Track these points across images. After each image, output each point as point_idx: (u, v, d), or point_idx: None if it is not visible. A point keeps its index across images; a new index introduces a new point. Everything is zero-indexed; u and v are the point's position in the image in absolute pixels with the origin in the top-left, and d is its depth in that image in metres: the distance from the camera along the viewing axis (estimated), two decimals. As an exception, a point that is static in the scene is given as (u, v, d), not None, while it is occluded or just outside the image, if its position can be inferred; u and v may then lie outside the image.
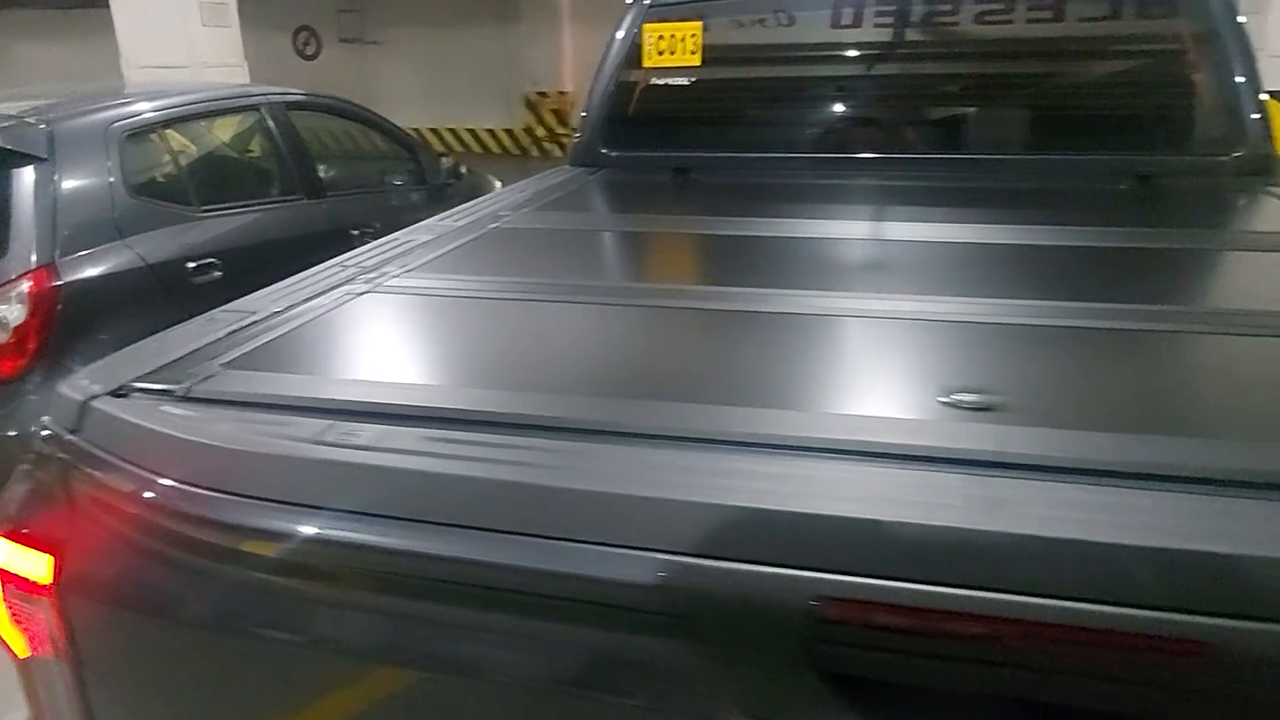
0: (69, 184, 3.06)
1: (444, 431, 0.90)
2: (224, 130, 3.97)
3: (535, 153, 12.88)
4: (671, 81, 2.55)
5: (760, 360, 1.15)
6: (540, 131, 12.89)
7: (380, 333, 1.27)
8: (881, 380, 1.07)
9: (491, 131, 13.51)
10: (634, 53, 2.56)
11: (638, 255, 1.78)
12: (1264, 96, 2.24)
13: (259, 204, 3.77)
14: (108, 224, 3.06)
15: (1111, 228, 1.73)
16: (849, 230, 1.80)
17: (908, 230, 1.79)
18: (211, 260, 3.28)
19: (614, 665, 0.83)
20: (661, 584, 0.77)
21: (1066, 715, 0.75)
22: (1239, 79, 2.16)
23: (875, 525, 0.75)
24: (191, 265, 3.21)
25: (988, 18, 2.34)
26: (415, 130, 13.51)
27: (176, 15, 6.48)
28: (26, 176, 3.01)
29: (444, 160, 5.14)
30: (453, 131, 13.76)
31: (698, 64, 2.51)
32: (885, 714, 0.78)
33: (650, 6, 2.56)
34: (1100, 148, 2.23)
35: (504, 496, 0.82)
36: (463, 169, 5.11)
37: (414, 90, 13.49)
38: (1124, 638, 0.70)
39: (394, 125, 4.90)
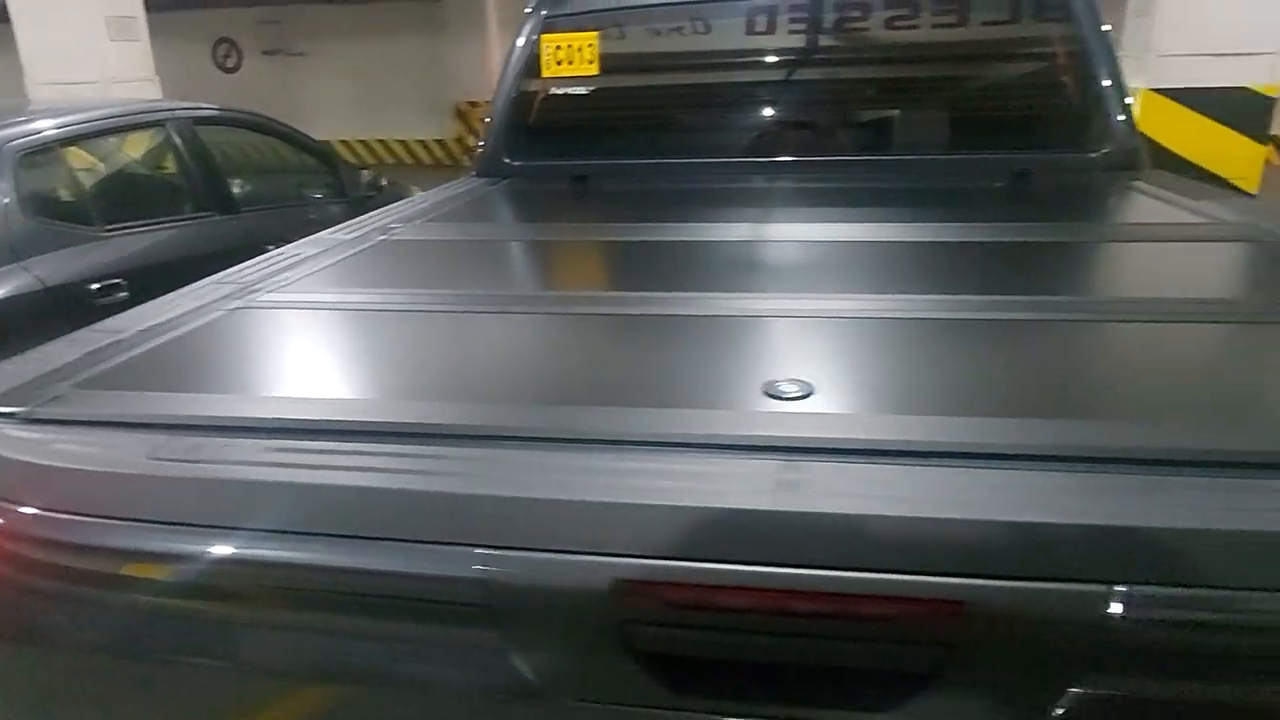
0: (-38, 206, 2.98)
1: (285, 441, 0.92)
2: (128, 147, 3.89)
3: (468, 163, 12.79)
4: (571, 90, 2.59)
5: (607, 360, 1.22)
6: (471, 141, 12.82)
7: (244, 348, 1.28)
8: (720, 375, 1.13)
9: (423, 142, 13.40)
10: (533, 63, 2.59)
11: (521, 264, 1.81)
12: (1130, 100, 2.37)
13: (168, 222, 3.70)
14: (1, 247, 2.98)
15: (984, 223, 1.82)
16: (736, 233, 1.86)
17: (792, 231, 1.86)
18: (117, 281, 3.21)
19: (441, 659, 0.87)
20: (480, 577, 0.81)
21: (849, 677, 0.81)
22: (1105, 82, 2.29)
23: (673, 511, 0.79)
24: (95, 287, 3.14)
25: (873, 26, 2.43)
26: (344, 143, 13.42)
27: (83, 30, 6.30)
28: (-84, 200, 2.92)
29: (364, 173, 5.10)
30: (383, 143, 13.60)
31: (596, 73, 2.55)
32: (697, 688, 0.83)
33: (547, 17, 2.59)
34: (979, 148, 2.34)
35: (322, 500, 0.85)
36: (383, 181, 5.08)
37: (342, 102, 13.30)
38: (891, 601, 0.76)
39: (310, 139, 4.85)
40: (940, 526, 0.77)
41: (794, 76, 2.52)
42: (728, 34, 2.51)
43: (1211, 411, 0.97)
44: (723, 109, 2.60)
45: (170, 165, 3.96)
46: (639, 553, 0.79)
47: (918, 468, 0.84)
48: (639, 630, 0.81)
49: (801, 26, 2.46)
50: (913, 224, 1.82)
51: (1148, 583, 0.74)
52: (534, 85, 2.62)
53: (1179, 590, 0.74)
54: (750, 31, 2.48)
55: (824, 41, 2.48)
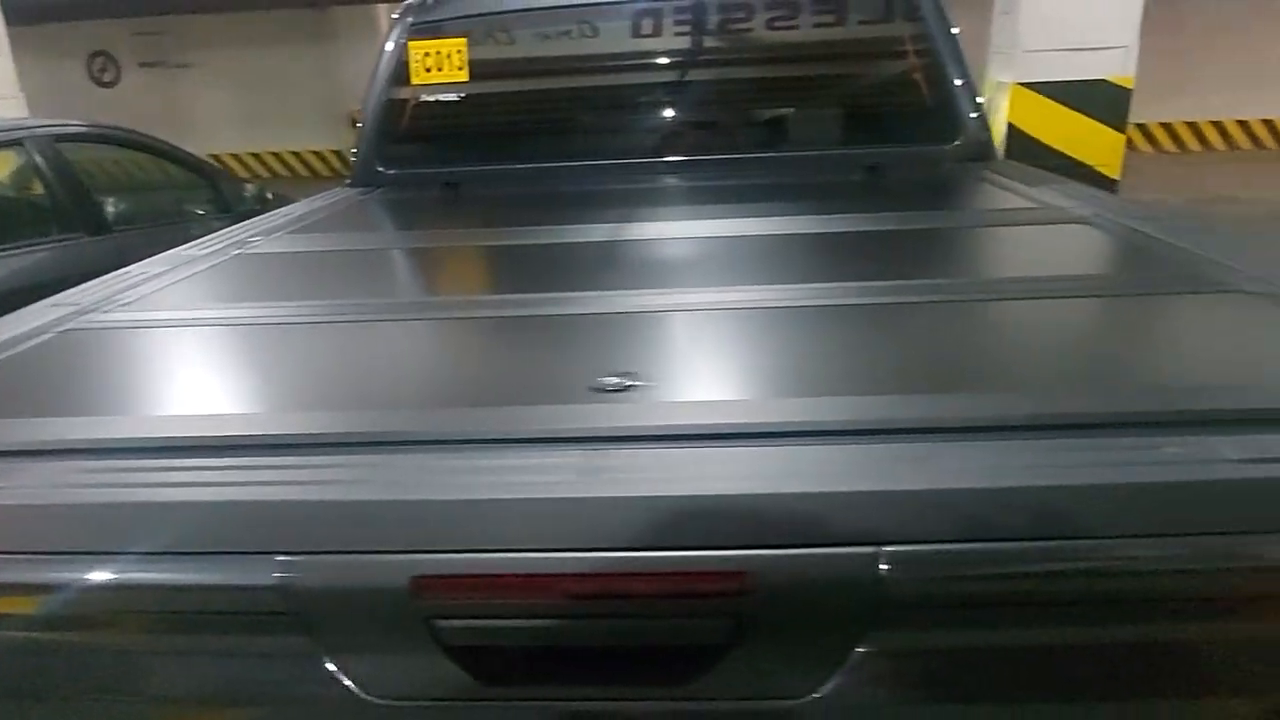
0: None
1: (85, 462, 0.90)
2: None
3: (366, 173, 12.51)
4: (443, 97, 2.57)
5: (446, 364, 1.24)
6: (370, 151, 12.55)
7: (68, 371, 1.23)
8: (553, 373, 1.15)
9: (318, 153, 13.05)
10: (401, 70, 2.56)
11: (376, 273, 1.79)
12: (980, 98, 2.49)
13: (29, 245, 3.51)
14: None
15: (840, 215, 1.90)
16: (599, 234, 1.88)
17: (655, 229, 1.90)
18: (-31, 309, 3.03)
19: (257, 669, 0.86)
20: (282, 584, 0.81)
21: (649, 654, 0.84)
22: (956, 81, 2.41)
23: (467, 505, 0.82)
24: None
25: (731, 29, 2.50)
26: (234, 156, 12.97)
27: (-66, 46, 5.93)
28: None
29: (248, 186, 4.95)
30: (276, 155, 13.20)
31: (466, 80, 2.54)
32: (508, 677, 0.85)
33: (414, 24, 2.57)
34: (839, 144, 2.44)
35: (117, 518, 0.84)
36: (269, 194, 4.93)
37: (230, 114, 12.85)
38: (676, 577, 0.80)
39: (189, 154, 4.67)
40: (722, 502, 0.80)
41: (658, 79, 2.57)
42: (594, 39, 2.53)
43: (999, 381, 1.04)
44: (590, 112, 2.63)
45: (29, 186, 3.76)
46: (436, 548, 0.80)
47: (717, 449, 0.88)
48: (445, 625, 0.82)
49: (662, 30, 2.51)
50: (773, 218, 1.88)
51: (915, 542, 0.79)
52: (404, 93, 2.59)
53: (943, 547, 0.79)
54: (616, 35, 2.51)
55: (687, 44, 2.53)
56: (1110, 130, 5.25)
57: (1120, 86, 5.16)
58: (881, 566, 0.79)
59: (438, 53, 2.53)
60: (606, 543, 0.80)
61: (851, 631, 0.82)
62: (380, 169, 2.61)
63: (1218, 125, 11.75)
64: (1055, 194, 1.98)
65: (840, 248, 1.70)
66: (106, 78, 12.72)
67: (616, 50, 2.54)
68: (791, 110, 2.55)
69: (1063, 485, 0.79)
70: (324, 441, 0.92)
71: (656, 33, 2.50)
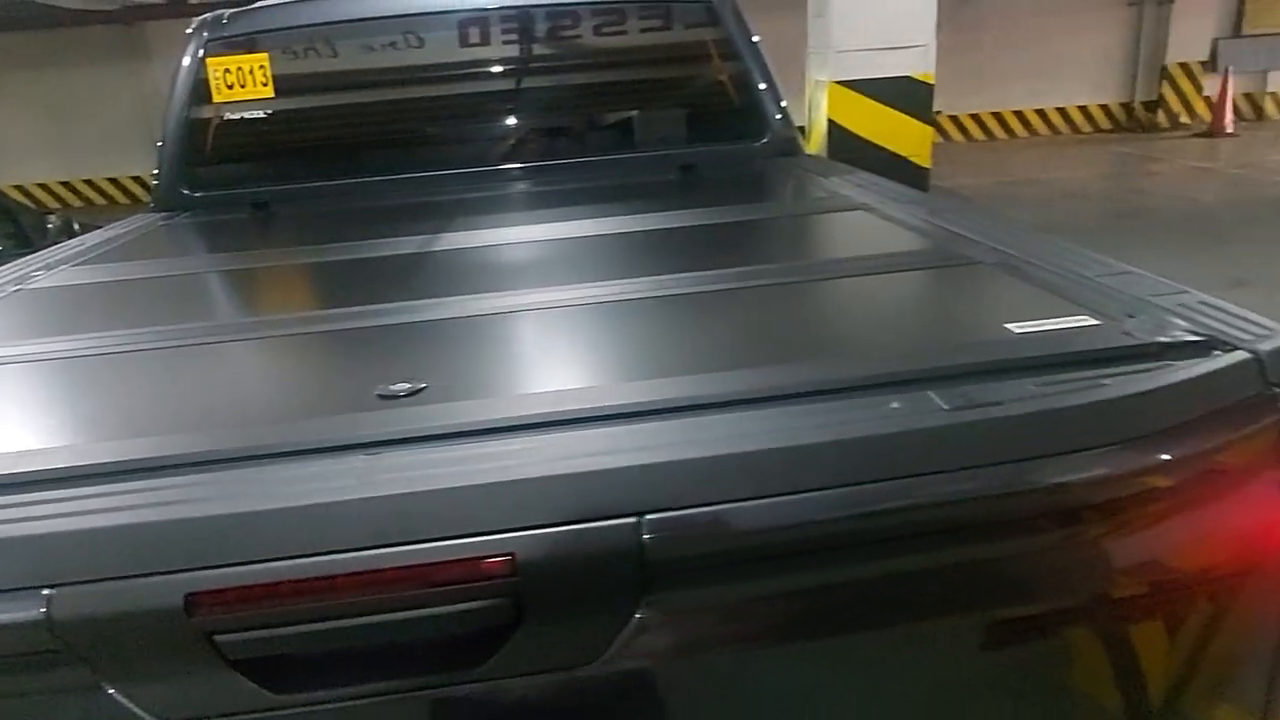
0: None
1: None
2: None
3: (195, 197, 11.82)
4: (247, 115, 2.49)
5: (233, 384, 1.24)
6: (197, 173, 11.86)
7: None
8: (341, 384, 1.18)
9: (138, 179, 12.23)
10: (201, 88, 2.46)
11: (169, 300, 1.72)
12: (783, 101, 2.65)
13: None
14: None
15: (651, 213, 1.98)
16: (409, 246, 1.89)
17: (468, 238, 1.91)
18: None
19: (35, 710, 0.84)
20: (51, 618, 0.79)
21: (435, 644, 0.87)
22: (760, 84, 2.56)
23: (241, 518, 0.82)
24: None
25: (542, 40, 2.56)
26: (42, 186, 11.96)
27: None
28: None
29: (51, 218, 4.62)
30: (90, 183, 12.28)
31: (271, 96, 2.47)
32: (299, 683, 0.86)
33: (211, 40, 2.47)
34: (652, 146, 2.54)
35: None
36: (76, 225, 4.61)
37: (32, 141, 11.86)
38: (447, 566, 0.83)
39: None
40: (489, 490, 0.85)
41: (470, 89, 2.59)
42: (403, 50, 2.52)
43: (762, 358, 1.13)
44: (402, 125, 2.62)
45: None
46: (209, 564, 0.81)
47: (496, 442, 0.92)
48: (227, 640, 0.83)
49: (469, 39, 2.53)
50: (583, 220, 1.94)
51: (674, 509, 0.85)
52: (206, 111, 2.49)
53: (700, 510, 0.86)
54: (425, 46, 2.51)
55: (497, 54, 2.57)
56: (918, 123, 5.65)
57: (922, 82, 5.57)
58: (645, 535, 0.84)
59: (239, 69, 2.45)
60: (377, 541, 0.82)
61: (625, 598, 0.87)
62: (185, 191, 2.50)
63: (1019, 114, 12.82)
64: (844, 184, 2.14)
65: (642, 244, 1.78)
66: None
67: (426, 61, 2.54)
68: (606, 115, 2.63)
69: (797, 445, 0.88)
70: (94, 472, 0.91)
71: (465, 43, 2.52)
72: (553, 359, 1.23)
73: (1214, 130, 11.62)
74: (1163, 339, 1.03)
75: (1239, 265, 6.01)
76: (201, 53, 2.46)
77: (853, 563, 0.90)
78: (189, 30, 2.51)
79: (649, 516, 0.85)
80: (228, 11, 2.52)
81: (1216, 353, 1.00)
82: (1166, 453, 0.91)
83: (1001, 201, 8.83)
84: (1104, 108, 12.88)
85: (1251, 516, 0.97)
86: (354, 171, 2.50)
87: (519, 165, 2.51)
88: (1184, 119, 12.55)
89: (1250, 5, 12.39)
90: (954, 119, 12.67)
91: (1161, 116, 12.57)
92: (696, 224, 1.92)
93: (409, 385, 1.06)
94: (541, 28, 2.54)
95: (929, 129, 5.72)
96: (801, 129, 10.67)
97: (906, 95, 5.58)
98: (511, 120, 2.64)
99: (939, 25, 5.48)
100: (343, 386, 1.15)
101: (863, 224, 1.81)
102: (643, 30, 2.58)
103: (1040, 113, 12.84)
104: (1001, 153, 11.82)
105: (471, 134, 2.62)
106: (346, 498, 0.84)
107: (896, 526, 0.89)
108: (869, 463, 0.88)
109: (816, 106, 5.88)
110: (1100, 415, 0.91)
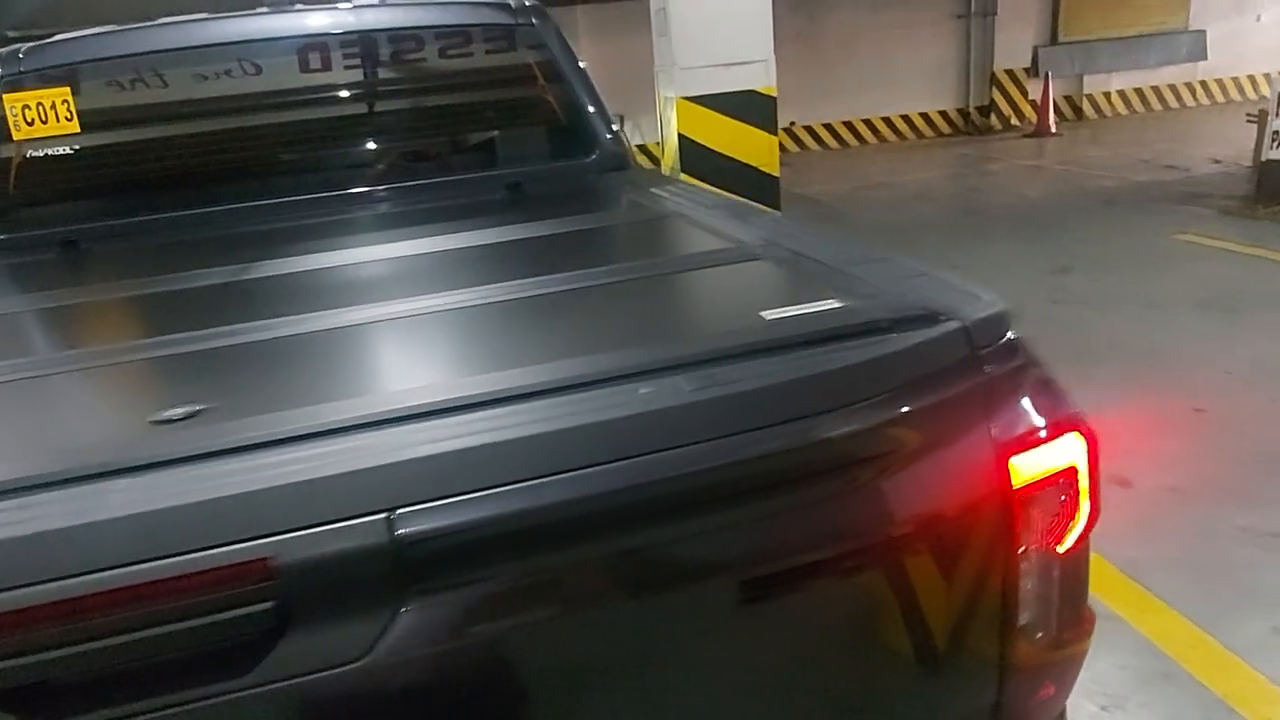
0: None
1: None
2: None
3: None
4: (52, 151, 2.38)
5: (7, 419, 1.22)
6: None
7: None
8: (113, 414, 1.19)
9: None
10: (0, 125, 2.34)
11: None
12: (612, 118, 2.74)
13: None
14: None
15: (469, 231, 2.03)
16: (219, 276, 1.86)
17: (281, 265, 1.90)
18: None
19: None
20: None
21: (196, 657, 0.87)
22: (587, 106, 2.64)
23: None
24: None
25: (357, 66, 2.56)
26: None
27: None
28: None
29: None
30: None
31: (77, 130, 2.37)
32: (67, 707, 0.85)
33: (5, 76, 2.35)
34: (483, 166, 2.58)
35: None
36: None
37: None
38: (200, 576, 0.85)
39: None
40: (241, 500, 0.87)
41: (288, 118, 2.56)
42: (218, 80, 2.46)
43: (538, 357, 1.19)
44: (220, 156, 2.55)
45: None
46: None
47: (256, 457, 0.95)
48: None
49: (287, 66, 2.50)
50: (405, 241, 1.97)
51: (423, 502, 0.90)
52: (6, 150, 2.36)
53: (449, 501, 0.91)
54: (233, 76, 2.46)
55: (318, 82, 2.54)
56: (764, 134, 5.89)
57: (766, 95, 5.81)
58: (397, 529, 0.88)
59: (39, 104, 2.34)
60: (132, 558, 0.83)
61: (386, 592, 0.90)
62: (-9, 235, 2.35)
63: (868, 122, 13.53)
64: (660, 194, 2.24)
65: (453, 261, 1.83)
66: None
67: (239, 91, 2.49)
68: (433, 139, 2.65)
69: (537, 433, 0.95)
70: None
71: (282, 70, 2.49)
72: (344, 373, 1.27)
73: (1040, 131, 12.60)
74: (891, 316, 1.15)
75: (1065, 253, 6.55)
76: (-4, 89, 2.34)
77: (603, 538, 0.97)
78: (-10, 60, 2.38)
79: (400, 511, 0.88)
80: (24, 46, 2.40)
81: (935, 325, 1.12)
82: (885, 413, 1.03)
83: (856, 205, 9.30)
84: (943, 113, 13.75)
85: (968, 463, 1.09)
86: (170, 205, 2.41)
87: (345, 192, 2.49)
88: (1014, 121, 13.54)
89: (1064, 15, 13.54)
90: (808, 128, 13.25)
91: (994, 120, 13.53)
92: (511, 239, 1.98)
93: (185, 409, 1.06)
94: (364, 53, 2.54)
95: (774, 139, 5.97)
96: (638, 146, 10.86)
97: (751, 108, 5.81)
98: (336, 147, 2.61)
99: (787, 40, 5.74)
100: (118, 416, 1.16)
101: (666, 229, 1.92)
102: (467, 55, 2.61)
103: (887, 120, 13.59)
104: (854, 159, 12.45)
105: (293, 163, 2.58)
106: (96, 519, 0.84)
107: (643, 500, 0.96)
108: (610, 443, 0.95)
109: (668, 122, 6.04)
110: (824, 385, 1.03)
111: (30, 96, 2.34)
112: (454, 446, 0.92)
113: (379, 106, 2.63)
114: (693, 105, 5.76)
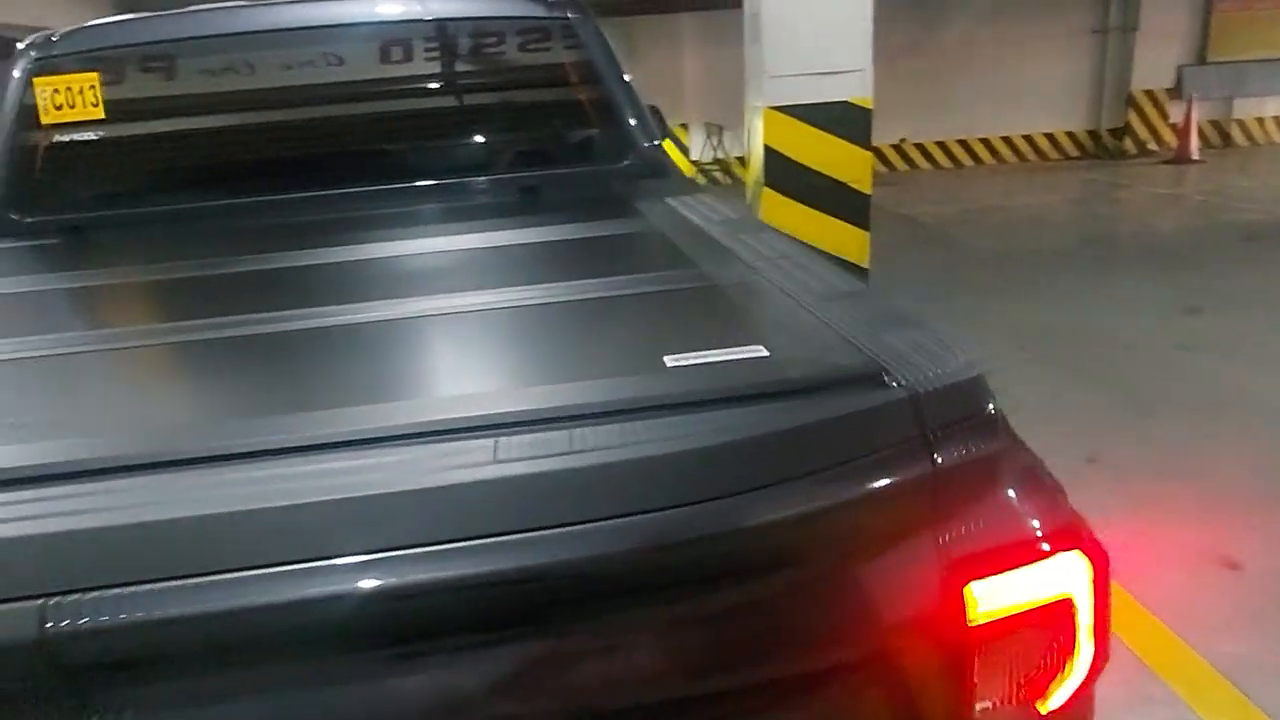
0: None
1: None
2: None
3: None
4: (79, 136, 2.36)
5: None
6: None
7: None
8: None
9: None
10: (29, 110, 2.34)
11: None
12: (650, 122, 2.55)
13: None
14: None
15: (442, 237, 1.90)
16: (234, 266, 1.79)
17: (288, 259, 1.82)
18: None
19: None
20: None
21: None
22: (623, 109, 2.45)
23: None
24: None
25: (394, 61, 2.45)
26: None
27: None
28: None
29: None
30: None
31: (102, 116, 2.34)
32: None
33: (39, 58, 2.35)
34: (496, 168, 2.44)
35: None
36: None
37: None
38: None
39: None
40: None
41: (321, 113, 2.48)
42: (248, 74, 2.41)
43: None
44: (248, 148, 2.49)
45: None
46: None
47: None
48: None
49: (325, 60, 2.42)
50: (384, 243, 1.84)
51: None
52: (35, 135, 2.36)
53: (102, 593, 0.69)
54: (272, 69, 2.41)
55: (342, 76, 2.45)
56: (857, 148, 5.56)
57: (861, 107, 5.48)
58: (49, 623, 0.66)
59: (67, 89, 2.33)
60: None
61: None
62: (14, 217, 2.36)
63: (985, 142, 12.83)
64: (674, 203, 2.01)
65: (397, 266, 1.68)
66: None
67: (260, 86, 2.43)
68: (450, 137, 2.52)
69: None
70: None
71: (309, 65, 2.41)
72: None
73: (1180, 157, 11.64)
74: (815, 373, 0.88)
75: (1196, 292, 5.94)
76: (27, 73, 2.34)
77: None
78: (18, 48, 2.39)
79: (55, 600, 0.67)
80: (57, 30, 2.41)
81: (870, 389, 0.85)
82: (771, 510, 0.76)
83: (962, 228, 8.77)
84: (1070, 135, 12.90)
85: (899, 587, 0.81)
86: (197, 196, 2.37)
87: (342, 191, 2.38)
88: (1150, 146, 12.57)
89: (1215, 33, 12.48)
90: (919, 146, 12.67)
91: (1128, 143, 12.60)
92: (469, 246, 1.81)
93: None
94: (389, 48, 2.43)
95: (868, 154, 5.62)
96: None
97: (844, 120, 5.49)
98: (355, 144, 2.52)
99: (900, 52, 5.40)
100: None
101: (643, 245, 1.72)
102: (497, 50, 2.47)
103: (1007, 139, 12.85)
104: (968, 180, 11.81)
105: (317, 157, 2.49)
106: None
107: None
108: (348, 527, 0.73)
109: (754, 132, 5.79)
110: (683, 468, 0.77)
111: (60, 81, 2.33)
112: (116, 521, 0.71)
113: (395, 103, 2.52)
114: (781, 115, 5.49)
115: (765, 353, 0.96)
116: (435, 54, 2.45)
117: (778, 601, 0.79)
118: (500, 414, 0.85)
